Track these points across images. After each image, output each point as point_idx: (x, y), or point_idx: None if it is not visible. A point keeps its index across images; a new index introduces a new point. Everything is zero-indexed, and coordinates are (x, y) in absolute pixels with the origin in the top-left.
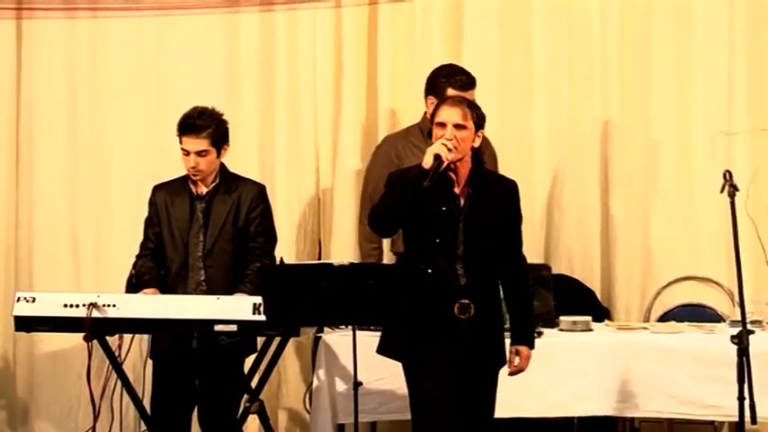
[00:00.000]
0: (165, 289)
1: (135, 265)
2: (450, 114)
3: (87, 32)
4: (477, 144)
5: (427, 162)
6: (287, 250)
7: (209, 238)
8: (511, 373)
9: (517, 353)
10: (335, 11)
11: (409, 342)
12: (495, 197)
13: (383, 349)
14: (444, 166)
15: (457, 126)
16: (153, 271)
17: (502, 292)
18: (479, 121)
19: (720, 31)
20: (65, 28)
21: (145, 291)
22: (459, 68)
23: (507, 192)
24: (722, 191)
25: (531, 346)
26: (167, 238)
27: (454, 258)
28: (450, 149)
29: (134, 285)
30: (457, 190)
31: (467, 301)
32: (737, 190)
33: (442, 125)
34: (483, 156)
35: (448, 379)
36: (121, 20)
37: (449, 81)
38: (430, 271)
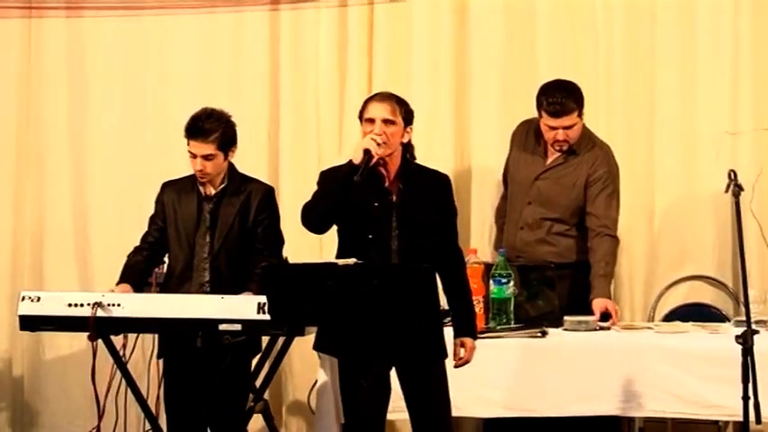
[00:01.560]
0: (169, 288)
1: (128, 255)
2: (378, 110)
3: (92, 32)
4: (406, 140)
5: (357, 157)
6: (289, 249)
7: (216, 240)
8: (456, 366)
9: (462, 345)
10: (340, 10)
11: (342, 339)
12: (427, 191)
13: (320, 346)
14: (374, 161)
15: (385, 121)
16: (138, 266)
17: (440, 286)
18: (408, 116)
19: (725, 31)
20: (70, 27)
21: (116, 286)
22: (557, 87)
23: (439, 185)
24: (727, 190)
25: (475, 337)
26: (173, 237)
27: (389, 253)
28: (379, 144)
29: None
30: (388, 185)
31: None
32: (742, 190)
33: (371, 121)
34: (412, 150)
35: (382, 378)
36: (126, 19)
37: (545, 102)
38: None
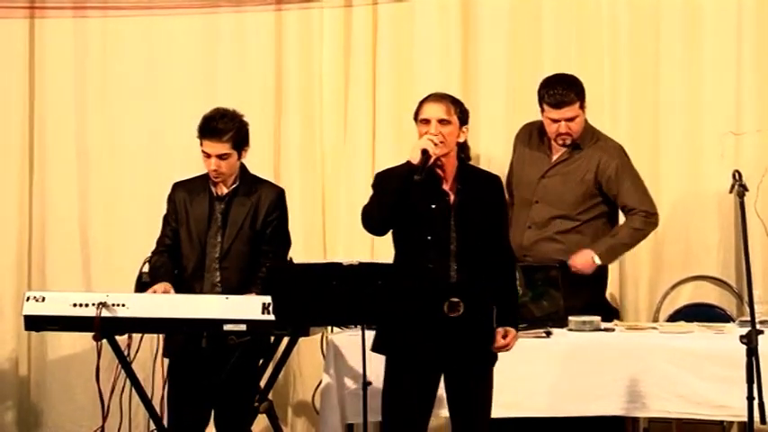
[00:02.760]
0: (181, 288)
1: (150, 261)
2: (433, 110)
3: (98, 32)
4: (462, 139)
5: (414, 157)
6: (295, 250)
7: (227, 240)
8: (496, 349)
9: (506, 333)
10: (345, 10)
11: (400, 340)
12: (483, 192)
13: (377, 347)
14: (432, 160)
15: (441, 121)
16: (167, 266)
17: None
18: (463, 116)
19: (729, 31)
20: (76, 27)
21: (156, 286)
22: (558, 80)
23: (493, 186)
24: (731, 191)
25: (517, 328)
26: (185, 237)
27: (448, 255)
28: (436, 144)
29: (145, 284)
30: (445, 186)
31: (456, 300)
32: (747, 190)
33: (426, 121)
34: (468, 151)
35: (431, 378)
36: (131, 19)
37: (546, 95)
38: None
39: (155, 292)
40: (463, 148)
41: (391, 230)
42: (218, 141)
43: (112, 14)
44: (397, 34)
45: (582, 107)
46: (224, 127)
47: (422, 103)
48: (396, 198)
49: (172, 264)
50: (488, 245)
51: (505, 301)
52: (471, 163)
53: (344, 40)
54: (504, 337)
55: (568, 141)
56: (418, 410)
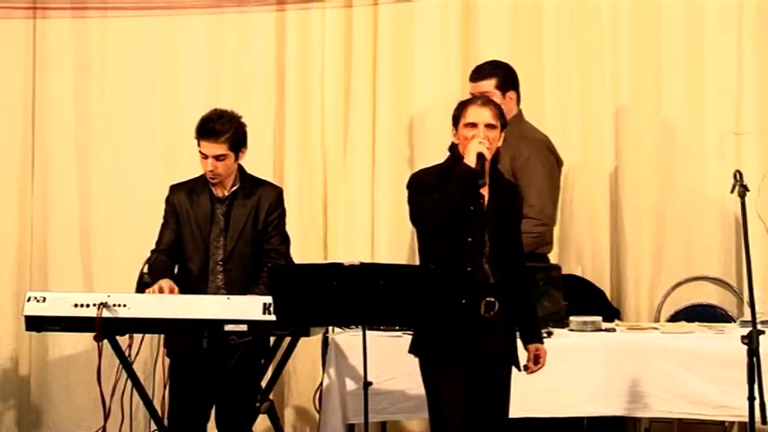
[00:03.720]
0: (186, 290)
1: (149, 260)
2: (481, 114)
3: (98, 32)
4: (500, 143)
5: (471, 161)
6: (294, 250)
7: (230, 242)
8: (531, 372)
9: (537, 351)
10: (345, 10)
11: (436, 339)
12: (508, 197)
13: (414, 349)
14: (487, 164)
15: (488, 126)
16: (167, 264)
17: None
18: (504, 121)
19: (730, 31)
20: (76, 27)
21: (159, 283)
22: (486, 62)
23: (514, 192)
24: (732, 191)
25: (542, 343)
26: (188, 239)
27: (482, 257)
28: (488, 148)
29: (146, 284)
30: (482, 190)
31: (492, 299)
32: (748, 190)
33: (473, 125)
34: (499, 156)
35: (469, 376)
36: (132, 19)
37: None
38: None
39: (161, 288)
40: (497, 153)
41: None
42: (215, 142)
43: (113, 15)
44: (397, 35)
45: (500, 89)
46: (221, 128)
47: (466, 105)
48: (457, 200)
49: (171, 262)
50: (514, 250)
51: (528, 315)
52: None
53: (345, 40)
54: (537, 355)
55: None
56: (465, 409)
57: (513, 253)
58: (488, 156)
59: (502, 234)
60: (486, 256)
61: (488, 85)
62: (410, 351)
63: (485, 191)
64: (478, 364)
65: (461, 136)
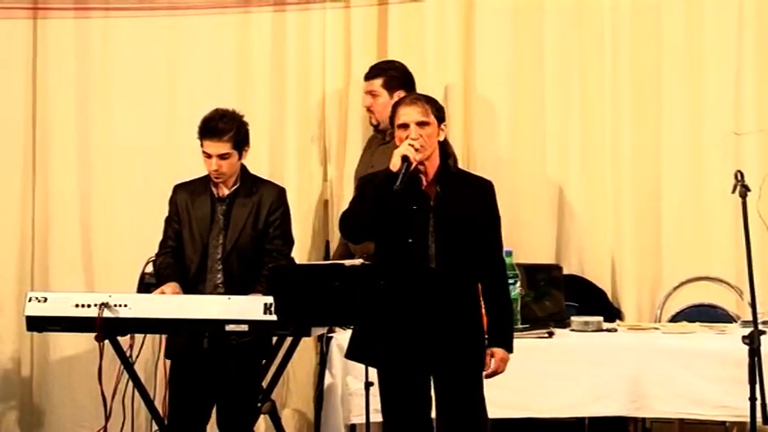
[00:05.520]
0: (185, 289)
1: (154, 263)
2: (410, 113)
3: (100, 32)
4: (441, 138)
5: (395, 164)
6: (294, 250)
7: (229, 241)
8: (486, 376)
9: (492, 355)
10: (345, 11)
11: (379, 347)
12: (467, 195)
13: (352, 354)
14: (413, 167)
15: (420, 124)
16: (173, 267)
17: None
18: (440, 113)
19: (730, 32)
20: (78, 27)
21: (163, 287)
22: (378, 62)
23: (481, 191)
24: (733, 191)
25: (509, 349)
26: (187, 239)
27: (426, 258)
28: (417, 149)
29: (148, 285)
30: (425, 187)
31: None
32: (749, 190)
33: (405, 126)
34: (450, 149)
35: (422, 384)
36: (133, 19)
37: None
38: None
39: (163, 293)
40: (444, 147)
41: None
42: (219, 141)
43: (114, 15)
44: (399, 35)
45: (386, 87)
46: (224, 127)
47: (396, 106)
48: (373, 207)
49: (177, 264)
50: (477, 254)
51: (495, 319)
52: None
53: (345, 40)
54: (492, 357)
55: (372, 121)
56: (413, 411)
57: (486, 261)
58: (415, 156)
59: (453, 233)
60: (432, 257)
61: (376, 84)
62: (347, 356)
63: (430, 189)
64: (425, 371)
65: (397, 138)
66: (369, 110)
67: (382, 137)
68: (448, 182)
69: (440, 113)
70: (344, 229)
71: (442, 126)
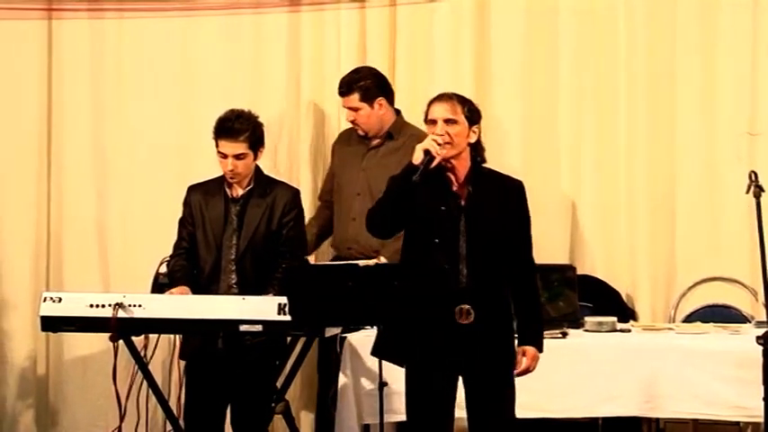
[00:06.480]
0: (198, 290)
1: (168, 264)
2: (438, 110)
3: (114, 32)
4: (473, 140)
5: (417, 158)
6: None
7: (242, 241)
8: (517, 374)
9: (524, 353)
10: (360, 11)
11: (408, 346)
12: (499, 196)
13: (379, 351)
14: (436, 162)
15: (447, 121)
16: (185, 269)
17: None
18: (472, 115)
19: (745, 31)
20: (92, 28)
21: (172, 290)
22: (351, 71)
23: (511, 191)
24: (748, 191)
25: (539, 348)
26: (201, 239)
27: (457, 258)
28: (440, 144)
29: (162, 285)
30: (456, 188)
31: (467, 307)
32: (763, 190)
33: (433, 122)
34: (482, 152)
35: (448, 385)
36: (148, 20)
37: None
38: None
39: (171, 293)
40: (476, 149)
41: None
42: (235, 141)
43: (129, 15)
44: (413, 36)
45: (366, 101)
46: (240, 127)
47: (429, 103)
48: (394, 200)
49: (190, 266)
50: (507, 254)
51: (525, 318)
52: (488, 166)
53: (360, 40)
54: (524, 355)
55: (360, 132)
56: (437, 413)
57: (516, 260)
58: (441, 152)
59: (485, 234)
60: (462, 258)
61: (353, 101)
62: (373, 353)
63: (462, 190)
64: (454, 372)
65: (428, 133)
66: (354, 123)
67: (369, 141)
68: (479, 182)
69: (472, 115)
70: (369, 224)
71: (474, 128)
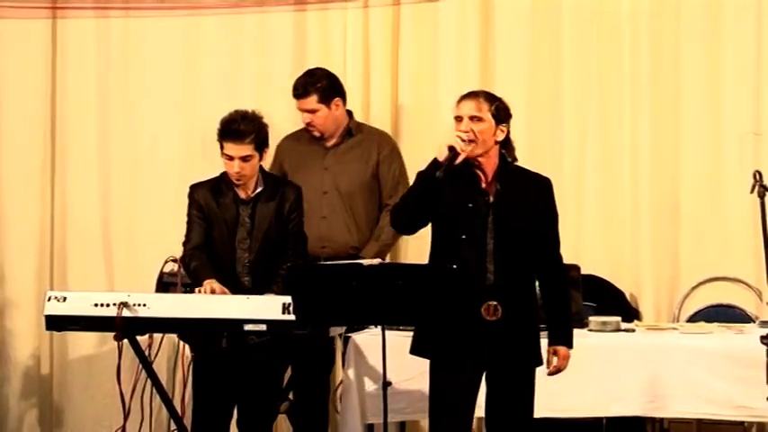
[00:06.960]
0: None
1: (184, 263)
2: (464, 107)
3: (120, 31)
4: (500, 138)
5: (441, 154)
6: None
7: (255, 243)
8: (550, 374)
9: (555, 353)
10: (365, 10)
11: (438, 342)
12: (527, 193)
13: (415, 349)
14: (461, 158)
15: (472, 118)
16: (207, 264)
17: (539, 292)
18: (499, 113)
19: (750, 31)
20: (97, 27)
21: (206, 284)
22: (304, 74)
23: (540, 188)
24: (752, 191)
25: (570, 346)
26: (217, 239)
27: (484, 255)
28: (464, 141)
29: (166, 284)
30: (484, 185)
31: (494, 303)
32: (767, 190)
33: (459, 119)
34: (512, 151)
35: (472, 381)
36: (153, 19)
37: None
38: (455, 267)
39: (212, 290)
40: (506, 147)
41: (431, 229)
42: (241, 143)
43: (134, 14)
44: (418, 36)
45: (323, 102)
46: (246, 128)
47: (458, 100)
48: (419, 195)
49: (209, 262)
50: (534, 251)
51: (555, 316)
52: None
53: (365, 40)
54: (555, 355)
55: (317, 134)
56: (461, 409)
57: (544, 258)
58: (466, 149)
59: (513, 231)
60: (489, 255)
61: (311, 102)
62: (411, 351)
63: (490, 188)
64: (481, 369)
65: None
66: (309, 125)
67: (323, 141)
68: (508, 180)
69: (500, 113)
70: (393, 220)
71: (502, 126)
